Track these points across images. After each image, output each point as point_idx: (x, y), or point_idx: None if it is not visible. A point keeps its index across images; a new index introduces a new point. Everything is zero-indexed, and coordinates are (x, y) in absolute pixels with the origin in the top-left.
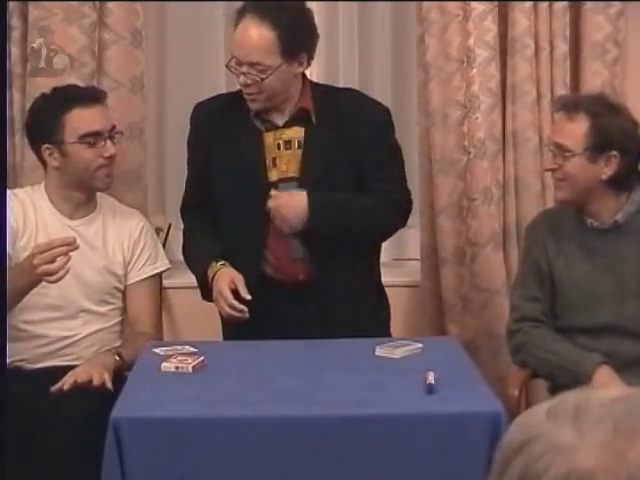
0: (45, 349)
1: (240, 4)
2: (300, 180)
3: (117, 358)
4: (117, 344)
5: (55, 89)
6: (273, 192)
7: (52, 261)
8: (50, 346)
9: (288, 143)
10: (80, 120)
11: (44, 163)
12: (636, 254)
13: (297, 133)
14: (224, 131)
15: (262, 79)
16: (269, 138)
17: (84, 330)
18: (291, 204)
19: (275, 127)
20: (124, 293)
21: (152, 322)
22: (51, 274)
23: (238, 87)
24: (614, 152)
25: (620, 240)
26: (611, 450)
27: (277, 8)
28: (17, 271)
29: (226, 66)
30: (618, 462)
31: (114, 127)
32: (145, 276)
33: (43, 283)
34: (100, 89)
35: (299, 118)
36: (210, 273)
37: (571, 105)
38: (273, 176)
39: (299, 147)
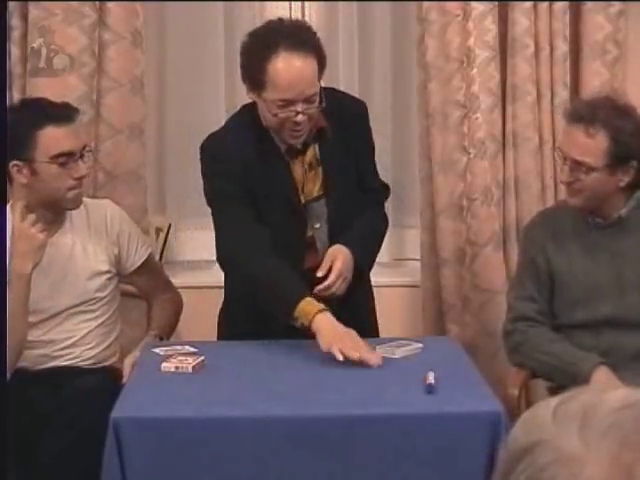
0: (45, 353)
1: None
2: (326, 197)
3: (157, 338)
4: (114, 336)
5: (25, 102)
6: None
7: None
8: (54, 352)
9: (310, 165)
10: (53, 139)
11: (10, 179)
12: (636, 247)
13: (313, 151)
14: (258, 165)
15: (320, 106)
16: (296, 166)
17: (82, 331)
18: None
19: (296, 151)
20: (128, 280)
21: (169, 287)
22: None
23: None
24: (633, 162)
25: (620, 234)
26: (617, 464)
27: (301, 33)
28: None
29: (274, 115)
30: (624, 477)
31: (85, 146)
32: (144, 259)
33: (38, 297)
34: (73, 107)
35: (312, 136)
36: (306, 315)
37: (588, 118)
38: (303, 199)
39: (318, 165)
